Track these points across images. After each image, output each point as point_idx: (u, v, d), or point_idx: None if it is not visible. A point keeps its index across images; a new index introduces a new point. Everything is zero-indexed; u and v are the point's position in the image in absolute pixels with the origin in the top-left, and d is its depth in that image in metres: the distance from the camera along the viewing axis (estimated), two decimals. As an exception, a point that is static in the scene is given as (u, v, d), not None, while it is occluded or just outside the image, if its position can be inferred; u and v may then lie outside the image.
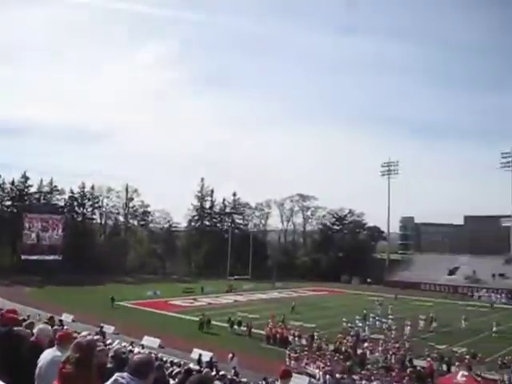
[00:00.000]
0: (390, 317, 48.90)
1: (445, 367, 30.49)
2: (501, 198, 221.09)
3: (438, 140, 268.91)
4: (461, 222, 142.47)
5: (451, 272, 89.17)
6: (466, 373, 25.49)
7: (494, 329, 45.51)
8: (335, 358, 30.59)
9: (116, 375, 4.20)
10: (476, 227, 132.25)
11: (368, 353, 33.52)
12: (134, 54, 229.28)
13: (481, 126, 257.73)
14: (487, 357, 32.47)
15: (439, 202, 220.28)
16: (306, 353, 32.31)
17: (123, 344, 21.51)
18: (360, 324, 44.61)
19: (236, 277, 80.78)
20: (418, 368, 29.25)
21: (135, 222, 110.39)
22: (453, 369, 29.48)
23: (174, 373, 14.15)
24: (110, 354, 6.99)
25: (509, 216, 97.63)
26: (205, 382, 4.20)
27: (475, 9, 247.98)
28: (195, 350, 31.71)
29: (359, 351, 33.62)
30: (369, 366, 29.91)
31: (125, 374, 4.18)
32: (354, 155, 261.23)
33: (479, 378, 26.56)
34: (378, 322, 46.88)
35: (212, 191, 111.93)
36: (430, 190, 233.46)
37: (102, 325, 36.50)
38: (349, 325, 44.11)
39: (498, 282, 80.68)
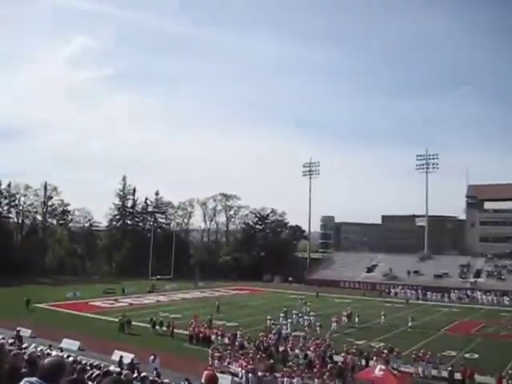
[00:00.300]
0: (312, 314, 50.00)
1: (363, 362, 31.53)
2: (416, 198, 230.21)
3: (358, 142, 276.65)
4: (379, 221, 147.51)
5: (369, 270, 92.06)
6: (383, 367, 26.39)
7: (410, 324, 47.48)
8: (257, 356, 30.97)
9: (24, 380, 4.14)
10: (393, 226, 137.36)
11: (289, 350, 34.15)
12: (56, 50, 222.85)
13: (398, 130, 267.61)
14: (403, 351, 33.88)
15: (358, 202, 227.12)
16: (228, 352, 32.54)
17: (41, 348, 20.94)
18: (283, 321, 45.50)
19: (158, 277, 79.89)
20: (339, 363, 30.09)
21: (54, 221, 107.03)
22: (371, 363, 30.51)
23: (93, 376, 13.97)
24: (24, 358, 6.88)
25: (423, 216, 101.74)
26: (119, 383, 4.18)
27: (399, 17, 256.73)
28: (116, 351, 31.27)
29: (281, 349, 34.20)
30: (290, 363, 30.53)
31: (33, 379, 4.13)
32: (277, 156, 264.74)
33: (396, 372, 27.62)
34: (300, 320, 47.95)
35: (134, 190, 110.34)
36: (350, 191, 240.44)
37: (18, 328, 35.25)
38: (272, 322, 44.85)
39: (412, 278, 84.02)
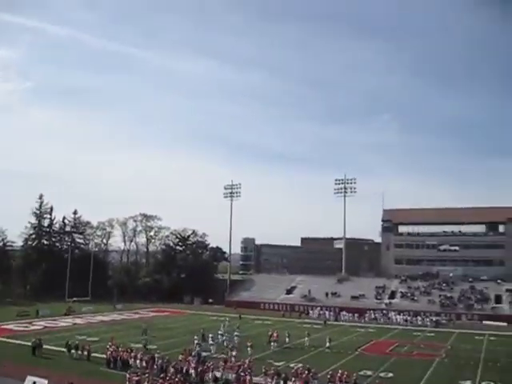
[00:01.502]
0: (236, 333, 50.23)
1: (282, 383, 31.78)
2: (335, 221, 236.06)
3: (280, 165, 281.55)
4: (298, 243, 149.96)
5: (288, 291, 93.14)
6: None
7: (328, 344, 48.31)
8: (176, 379, 30.62)
9: None
10: (312, 248, 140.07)
11: (210, 372, 33.97)
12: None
13: (319, 154, 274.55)
14: (321, 371, 34.44)
15: (279, 225, 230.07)
16: (147, 375, 31.99)
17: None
18: (200, 343, 45.13)
19: (75, 298, 77.64)
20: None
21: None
22: (289, 384, 30.83)
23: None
24: None
25: (341, 238, 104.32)
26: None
27: (326, 46, 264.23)
28: (29, 377, 30.01)
29: (204, 371, 33.92)
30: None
31: None
32: (200, 178, 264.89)
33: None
34: (225, 341, 48.07)
35: (51, 209, 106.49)
36: (271, 213, 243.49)
37: None
38: (196, 342, 44.40)
39: (330, 300, 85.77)
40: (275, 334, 49.54)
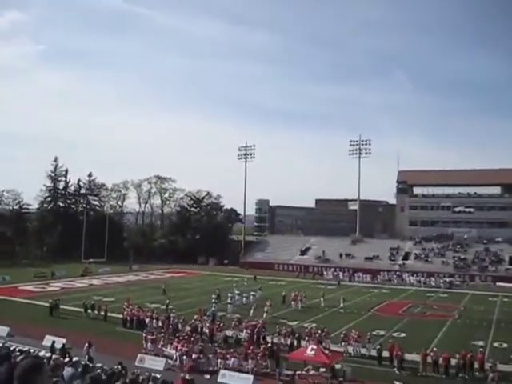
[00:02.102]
0: (253, 293, 51.11)
1: (296, 342, 32.21)
2: (349, 183, 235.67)
3: (294, 127, 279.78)
4: (312, 205, 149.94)
5: (303, 252, 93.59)
6: (315, 346, 27.10)
7: (341, 305, 48.86)
8: (192, 338, 31.15)
9: None
10: (326, 210, 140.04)
11: (225, 331, 34.50)
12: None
13: (334, 115, 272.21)
14: (335, 331, 34.82)
15: (293, 186, 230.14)
16: (162, 335, 32.55)
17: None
18: (217, 303, 46.00)
19: (91, 260, 78.57)
20: (270, 344, 30.63)
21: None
22: (303, 343, 31.25)
23: (18, 360, 13.71)
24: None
25: (355, 200, 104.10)
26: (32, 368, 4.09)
27: (335, 4, 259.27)
28: (47, 336, 30.69)
29: (215, 330, 34.44)
30: (221, 344, 31.05)
31: None
32: (213, 139, 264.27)
33: (327, 351, 28.37)
34: (244, 300, 49.32)
35: (66, 171, 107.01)
36: (285, 175, 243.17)
37: None
38: (213, 301, 45.40)
39: (344, 261, 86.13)
40: (293, 295, 50.27)
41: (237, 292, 51.12)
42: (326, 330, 33.71)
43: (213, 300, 46.41)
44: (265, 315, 41.66)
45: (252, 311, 42.61)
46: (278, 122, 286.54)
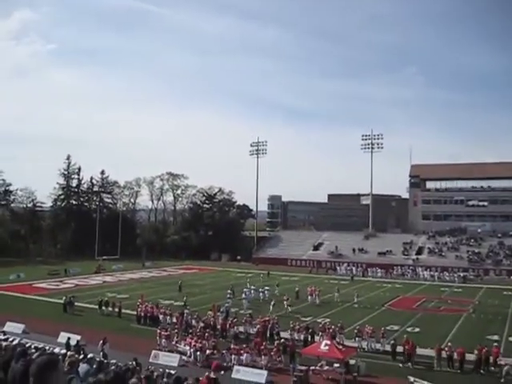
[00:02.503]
0: (267, 288, 51.79)
1: (310, 337, 32.19)
2: (361, 177, 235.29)
3: (305, 123, 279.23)
4: (325, 200, 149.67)
5: (315, 248, 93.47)
6: (328, 342, 27.05)
7: (355, 300, 48.79)
8: (205, 334, 31.24)
9: None
10: (339, 205, 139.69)
11: (238, 327, 34.56)
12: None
13: (345, 110, 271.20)
14: (349, 326, 34.78)
15: (305, 182, 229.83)
16: (176, 331, 32.66)
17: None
18: (232, 298, 46.38)
19: (105, 257, 78.77)
20: (283, 340, 30.62)
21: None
22: (316, 338, 31.22)
23: (33, 357, 13.77)
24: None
25: (368, 194, 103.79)
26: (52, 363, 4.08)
27: (348, 0, 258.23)
28: (62, 333, 30.90)
29: (228, 326, 34.50)
30: (233, 340, 31.14)
31: None
32: (224, 135, 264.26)
33: (341, 346, 28.32)
34: (259, 294, 50.07)
35: (79, 169, 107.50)
36: (297, 170, 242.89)
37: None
38: (228, 296, 46.25)
39: (357, 256, 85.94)
40: (309, 289, 50.55)
41: (253, 287, 51.62)
42: (340, 324, 33.70)
43: (228, 295, 46.73)
44: (286, 307, 42.98)
45: (271, 307, 42.69)
46: (289, 117, 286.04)
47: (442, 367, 27.49)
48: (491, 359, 27.34)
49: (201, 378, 19.66)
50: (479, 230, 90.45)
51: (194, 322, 36.01)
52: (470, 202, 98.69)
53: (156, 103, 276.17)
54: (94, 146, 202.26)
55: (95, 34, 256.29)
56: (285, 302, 43.88)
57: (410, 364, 27.95)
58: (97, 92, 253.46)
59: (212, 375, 17.51)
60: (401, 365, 28.08)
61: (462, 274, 70.65)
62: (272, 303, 43.83)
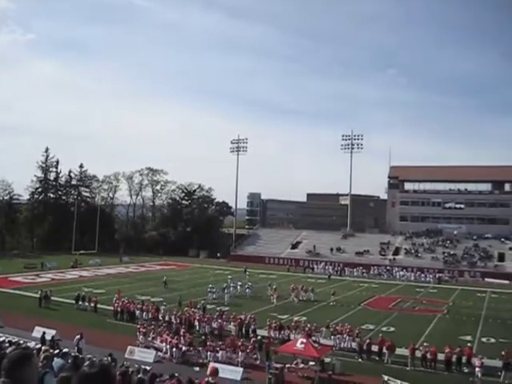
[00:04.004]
0: (250, 284, 52.74)
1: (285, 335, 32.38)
2: (340, 177, 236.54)
3: (286, 121, 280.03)
4: (304, 199, 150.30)
5: (294, 246, 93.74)
6: (304, 340, 27.19)
7: (332, 298, 49.07)
8: (181, 330, 31.22)
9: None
10: (317, 204, 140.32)
11: (213, 324, 34.62)
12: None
13: (326, 110, 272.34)
14: (325, 325, 34.97)
15: (285, 180, 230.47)
16: (152, 327, 32.60)
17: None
18: (213, 292, 47.16)
19: (82, 251, 78.13)
20: (259, 337, 30.73)
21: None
22: (292, 336, 31.40)
23: (7, 351, 13.65)
24: None
25: (347, 194, 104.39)
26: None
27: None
28: (37, 327, 30.69)
29: (205, 323, 34.49)
30: (210, 336, 31.25)
31: None
32: (205, 132, 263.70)
33: (316, 345, 28.47)
34: (247, 290, 51.13)
35: (57, 162, 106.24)
36: (277, 169, 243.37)
37: None
38: (208, 290, 47.30)
39: (335, 255, 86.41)
40: (292, 287, 51.32)
41: (239, 283, 53.10)
42: (315, 324, 33.93)
43: (208, 290, 47.05)
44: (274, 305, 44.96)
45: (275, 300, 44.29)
46: (271, 115, 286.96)
47: (416, 366, 27.82)
48: (464, 359, 27.75)
49: (197, 381, 19.74)
50: (455, 232, 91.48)
51: (169, 318, 35.97)
52: (447, 205, 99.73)
53: (136, 98, 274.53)
54: (73, 139, 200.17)
55: (75, 26, 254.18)
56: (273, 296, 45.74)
57: (386, 359, 28.44)
58: (76, 84, 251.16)
59: (211, 380, 17.54)
60: (377, 358, 28.58)
61: (437, 275, 71.45)
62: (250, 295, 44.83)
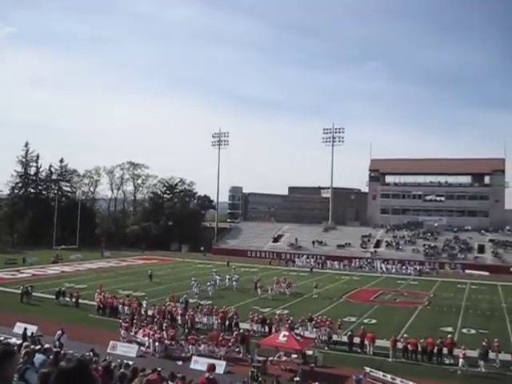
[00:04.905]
0: (236, 277, 53.07)
1: (267, 328, 32.49)
2: (322, 170, 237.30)
3: (268, 115, 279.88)
4: (286, 192, 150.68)
5: (275, 239, 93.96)
6: (286, 333, 27.28)
7: (315, 291, 49.30)
8: (164, 324, 31.16)
9: None
10: (299, 197, 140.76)
11: (197, 318, 34.61)
12: None
13: (308, 103, 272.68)
14: (307, 317, 35.08)
15: (267, 174, 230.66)
16: (135, 321, 32.50)
17: None
18: (196, 285, 47.19)
19: (63, 246, 77.55)
20: (242, 330, 30.77)
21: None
22: (274, 330, 31.50)
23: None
24: None
25: (328, 188, 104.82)
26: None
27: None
28: (18, 324, 30.42)
29: (188, 317, 34.44)
30: (192, 330, 31.24)
31: None
32: (186, 126, 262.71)
33: (298, 337, 28.59)
34: (234, 283, 51.63)
35: (37, 157, 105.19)
36: (259, 162, 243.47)
37: None
38: (191, 284, 47.61)
39: (317, 248, 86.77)
40: (281, 279, 51.92)
41: (227, 276, 53.74)
42: (302, 317, 34.05)
43: (192, 282, 47.12)
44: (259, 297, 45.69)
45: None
46: (252, 109, 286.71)
47: (397, 358, 28.08)
48: (445, 350, 28.05)
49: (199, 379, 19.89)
50: (436, 225, 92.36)
51: (152, 312, 35.88)
52: (428, 197, 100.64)
53: (117, 91, 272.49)
54: (53, 133, 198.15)
55: (55, 19, 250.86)
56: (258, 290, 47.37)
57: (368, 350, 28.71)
58: (57, 77, 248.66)
59: (209, 376, 17.74)
60: (359, 350, 28.87)
61: (418, 267, 72.09)
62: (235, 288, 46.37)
